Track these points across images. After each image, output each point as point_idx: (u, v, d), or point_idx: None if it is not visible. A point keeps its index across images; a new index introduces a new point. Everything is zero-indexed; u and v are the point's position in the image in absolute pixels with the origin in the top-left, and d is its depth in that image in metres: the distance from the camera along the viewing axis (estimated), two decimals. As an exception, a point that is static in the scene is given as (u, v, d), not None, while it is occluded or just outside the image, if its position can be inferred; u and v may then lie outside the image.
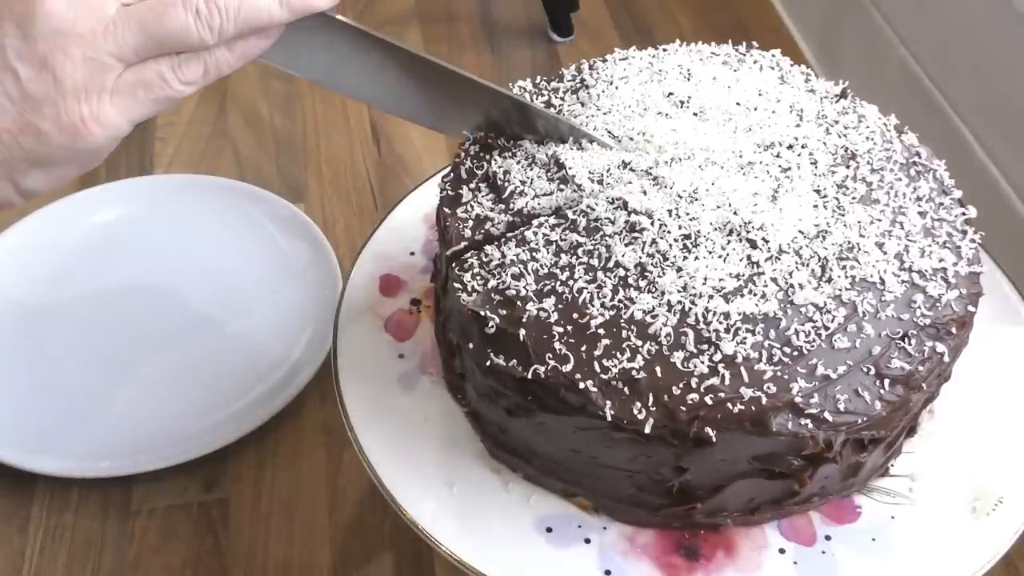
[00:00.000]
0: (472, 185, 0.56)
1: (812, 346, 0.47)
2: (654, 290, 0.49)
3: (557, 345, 0.48)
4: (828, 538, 0.53)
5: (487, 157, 0.57)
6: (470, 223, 0.54)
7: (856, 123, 0.58)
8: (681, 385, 0.47)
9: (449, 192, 0.56)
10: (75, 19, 0.41)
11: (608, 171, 0.54)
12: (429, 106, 0.57)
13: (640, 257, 0.50)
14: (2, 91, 0.41)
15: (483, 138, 0.58)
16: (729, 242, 0.50)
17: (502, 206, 0.55)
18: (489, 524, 0.54)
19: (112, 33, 0.42)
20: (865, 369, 0.48)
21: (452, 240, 0.54)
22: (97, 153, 0.45)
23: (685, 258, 0.49)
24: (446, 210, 0.55)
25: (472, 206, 0.55)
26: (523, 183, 0.55)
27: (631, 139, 0.56)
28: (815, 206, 0.52)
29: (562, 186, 0.54)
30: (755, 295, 0.49)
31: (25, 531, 0.75)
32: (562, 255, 0.51)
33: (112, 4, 0.42)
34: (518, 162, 0.56)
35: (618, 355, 0.48)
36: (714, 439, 0.46)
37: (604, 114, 0.57)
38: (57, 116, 0.42)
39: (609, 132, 0.56)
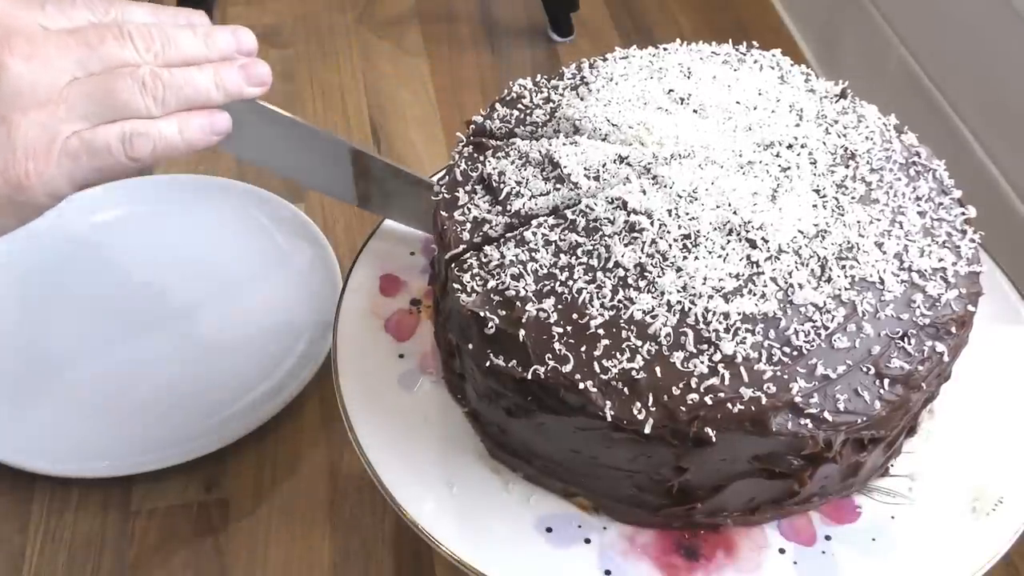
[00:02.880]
0: (468, 187, 0.56)
1: (812, 346, 0.47)
2: (654, 290, 0.49)
3: (557, 345, 0.48)
4: (828, 538, 0.53)
5: (481, 158, 0.57)
6: (468, 226, 0.54)
7: (856, 123, 0.58)
8: (681, 385, 0.47)
9: (445, 195, 0.56)
10: (34, 83, 0.45)
11: (604, 166, 0.54)
12: (348, 185, 0.64)
13: (640, 257, 0.50)
14: None
15: (476, 138, 0.58)
16: (729, 242, 0.50)
17: (499, 208, 0.54)
18: (489, 524, 0.54)
19: (65, 99, 0.46)
20: (865, 369, 0.48)
21: (450, 243, 0.54)
22: (37, 208, 0.48)
23: (685, 258, 0.49)
24: (443, 213, 0.55)
25: (469, 208, 0.55)
26: (519, 184, 0.55)
27: (631, 128, 0.56)
28: (814, 206, 0.52)
29: (558, 185, 0.54)
30: (755, 295, 0.49)
31: (25, 531, 0.75)
32: (561, 255, 0.51)
33: (67, 74, 0.46)
34: (512, 162, 0.56)
35: (618, 355, 0.48)
36: (714, 439, 0.46)
37: (604, 105, 0.57)
38: (4, 169, 0.46)
39: (608, 120, 0.56)
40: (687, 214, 0.51)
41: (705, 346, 0.47)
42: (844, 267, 0.50)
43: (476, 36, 1.20)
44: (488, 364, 0.50)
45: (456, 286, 0.52)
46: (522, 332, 0.49)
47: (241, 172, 1.03)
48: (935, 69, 0.94)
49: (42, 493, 0.76)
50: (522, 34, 1.20)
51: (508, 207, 0.54)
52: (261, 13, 1.24)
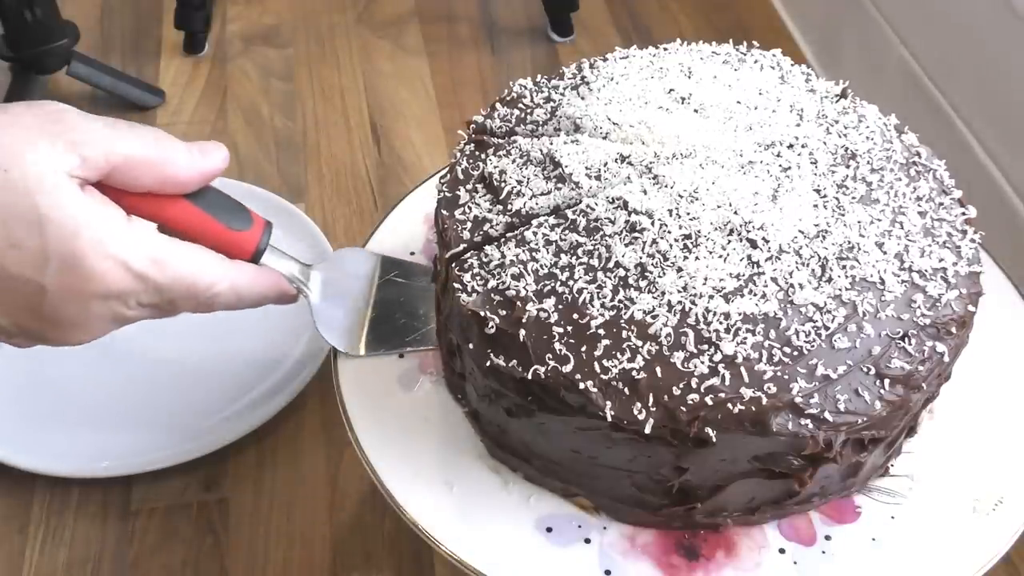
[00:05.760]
0: (469, 186, 0.56)
1: (812, 346, 0.47)
2: (654, 290, 0.49)
3: (557, 345, 0.48)
4: (828, 538, 0.53)
5: (482, 156, 0.57)
6: (468, 225, 0.54)
7: (856, 123, 0.58)
8: (681, 385, 0.47)
9: (446, 194, 0.56)
10: None
11: (605, 165, 0.54)
12: None
13: (640, 257, 0.50)
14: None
15: (477, 136, 0.58)
16: (729, 242, 0.50)
17: (500, 207, 0.54)
18: (489, 524, 0.53)
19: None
20: (865, 369, 0.48)
21: (451, 242, 0.54)
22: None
23: (685, 258, 0.49)
24: (444, 212, 0.55)
25: (470, 207, 0.55)
26: (519, 183, 0.55)
27: (632, 126, 0.56)
28: (815, 206, 0.52)
29: (559, 184, 0.54)
30: (755, 295, 0.49)
31: (25, 531, 0.75)
32: (562, 255, 0.51)
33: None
34: (513, 161, 0.56)
35: (618, 355, 0.48)
36: (714, 439, 0.46)
37: (605, 104, 0.57)
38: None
39: (609, 119, 0.56)
40: (688, 214, 0.51)
41: (705, 346, 0.47)
42: (845, 267, 0.50)
43: (476, 36, 1.20)
44: (488, 364, 0.50)
45: (456, 286, 0.52)
46: (522, 332, 0.49)
47: (241, 172, 1.03)
48: (935, 69, 0.94)
49: (42, 493, 0.76)
50: (522, 34, 1.20)
51: (509, 206, 0.54)
52: (261, 13, 1.24)
